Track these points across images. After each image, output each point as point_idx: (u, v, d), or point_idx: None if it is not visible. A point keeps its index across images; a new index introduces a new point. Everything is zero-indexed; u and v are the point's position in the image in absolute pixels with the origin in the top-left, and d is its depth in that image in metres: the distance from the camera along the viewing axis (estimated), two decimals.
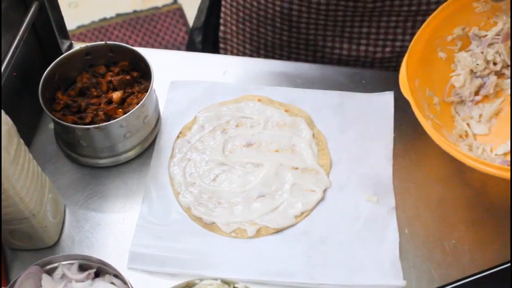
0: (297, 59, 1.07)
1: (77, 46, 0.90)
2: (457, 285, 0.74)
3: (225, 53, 1.13)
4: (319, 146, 0.88)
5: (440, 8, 0.80)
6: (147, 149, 0.88)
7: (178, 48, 1.97)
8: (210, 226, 0.81)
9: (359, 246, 0.79)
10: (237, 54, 1.11)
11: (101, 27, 2.03)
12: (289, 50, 1.06)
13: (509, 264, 0.72)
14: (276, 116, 0.90)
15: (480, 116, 0.85)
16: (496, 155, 0.81)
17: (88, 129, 0.80)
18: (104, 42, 0.88)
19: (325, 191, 0.83)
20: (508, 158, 0.79)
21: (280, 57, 1.08)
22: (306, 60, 1.06)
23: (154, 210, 0.82)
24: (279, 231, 0.80)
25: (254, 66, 0.98)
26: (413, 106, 0.75)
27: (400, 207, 0.82)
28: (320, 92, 0.93)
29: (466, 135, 0.83)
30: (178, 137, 0.89)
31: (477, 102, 0.85)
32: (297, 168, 0.85)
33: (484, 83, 0.85)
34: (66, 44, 0.97)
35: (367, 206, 0.82)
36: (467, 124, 0.84)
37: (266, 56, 1.09)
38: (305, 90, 0.94)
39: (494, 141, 0.83)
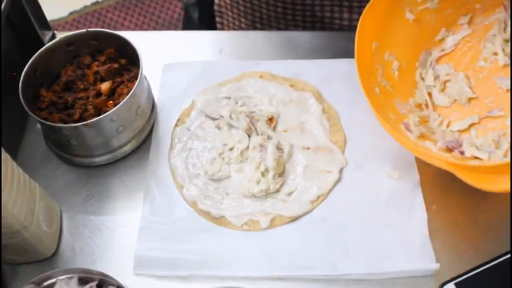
0: (295, 29, 1.00)
1: (59, 35, 0.83)
2: (496, 264, 0.67)
3: (222, 28, 1.06)
4: (331, 121, 0.81)
5: None
6: (144, 142, 0.82)
7: (176, 26, 1.88)
8: (219, 220, 0.74)
9: (383, 229, 0.72)
10: (234, 29, 1.05)
11: (93, 11, 1.93)
12: (286, 22, 0.99)
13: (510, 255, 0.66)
14: (280, 93, 0.83)
15: (444, 83, 0.79)
16: (451, 131, 0.76)
17: (76, 127, 0.73)
18: (85, 29, 0.80)
19: (341, 170, 0.77)
20: (463, 136, 0.75)
21: (277, 29, 1.01)
22: (305, 29, 0.99)
23: (157, 208, 0.76)
24: (294, 219, 0.74)
25: (252, 40, 0.91)
26: (358, 71, 0.71)
27: (425, 181, 0.75)
28: (326, 62, 0.86)
29: (426, 106, 0.78)
30: (176, 125, 0.83)
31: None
32: (308, 148, 0.79)
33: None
34: (48, 35, 0.90)
35: (389, 183, 0.75)
36: (429, 93, 0.78)
37: (262, 30, 1.02)
38: (310, 61, 0.87)
39: (454, 115, 0.77)
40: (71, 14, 1.87)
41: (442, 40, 0.80)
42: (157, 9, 1.93)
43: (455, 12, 0.78)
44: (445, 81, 0.79)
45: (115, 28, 1.77)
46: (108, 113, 0.73)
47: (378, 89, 0.71)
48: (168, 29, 1.86)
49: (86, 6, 1.94)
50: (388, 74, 0.76)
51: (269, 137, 0.78)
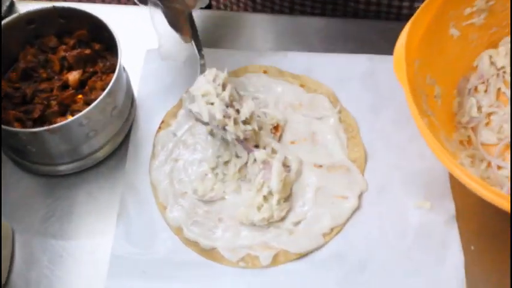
0: (302, 13, 0.90)
1: (24, 7, 0.75)
2: None
3: (218, 7, 0.98)
4: (349, 133, 0.74)
5: None
6: (119, 147, 0.74)
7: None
8: (210, 253, 0.66)
9: (410, 272, 0.65)
10: (230, 8, 0.96)
11: None
12: (291, 3, 0.89)
13: None
14: (288, 94, 0.76)
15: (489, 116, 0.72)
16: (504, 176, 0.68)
17: (35, 133, 0.63)
18: (51, 5, 0.71)
19: (360, 196, 0.70)
20: None
21: (281, 10, 0.91)
22: (313, 14, 0.90)
23: (134, 234, 0.68)
24: (302, 256, 0.66)
25: (254, 26, 0.83)
26: (409, 98, 0.61)
27: (462, 214, 0.68)
28: (343, 58, 0.79)
29: (469, 143, 0.71)
30: (160, 128, 0.75)
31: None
32: (321, 166, 0.71)
33: None
34: (6, 3, 0.80)
35: (418, 215, 0.68)
36: (472, 128, 0.72)
37: (264, 7, 0.92)
38: (324, 55, 0.79)
39: (503, 156, 0.70)
40: None
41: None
42: None
43: (499, 31, 0.74)
44: (489, 114, 0.72)
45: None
46: (76, 116, 0.64)
47: (426, 120, 0.62)
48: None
49: None
50: (431, 102, 0.68)
51: (273, 151, 0.69)
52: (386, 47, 0.74)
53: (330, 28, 0.81)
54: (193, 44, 0.71)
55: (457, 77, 0.74)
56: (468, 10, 0.71)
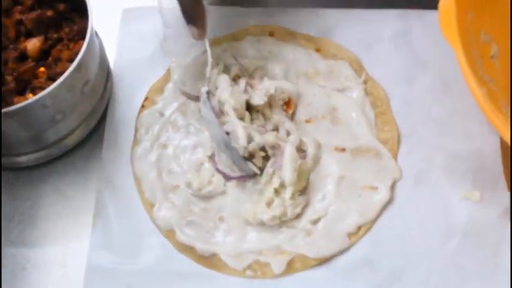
0: None
1: None
2: None
3: None
4: (377, 108, 0.71)
5: None
6: (93, 132, 0.72)
7: None
8: (210, 260, 0.64)
9: (457, 280, 0.63)
10: None
11: None
12: None
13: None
14: (302, 61, 0.74)
15: None
16: None
17: None
18: None
19: (393, 186, 0.67)
20: None
21: None
22: None
23: (115, 239, 0.66)
24: (322, 262, 0.64)
25: None
26: (463, 62, 0.57)
27: None
28: (370, 14, 0.77)
29: None
30: (143, 106, 0.72)
31: None
32: (343, 150, 0.68)
33: None
34: None
35: (465, 209, 0.65)
36: None
37: None
38: (345, 11, 0.78)
39: None
40: None
41: None
42: None
43: None
44: None
45: None
46: (39, 95, 0.62)
47: (485, 89, 0.60)
48: None
49: None
50: (488, 65, 0.64)
51: (287, 133, 0.68)
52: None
53: None
54: (207, 43, 0.68)
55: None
56: None
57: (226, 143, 0.66)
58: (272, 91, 0.69)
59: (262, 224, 0.64)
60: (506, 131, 0.55)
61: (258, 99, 0.68)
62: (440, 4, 0.62)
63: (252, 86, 0.69)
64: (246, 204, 0.65)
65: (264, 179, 0.65)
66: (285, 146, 0.66)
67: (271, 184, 0.64)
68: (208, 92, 0.69)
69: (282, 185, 0.64)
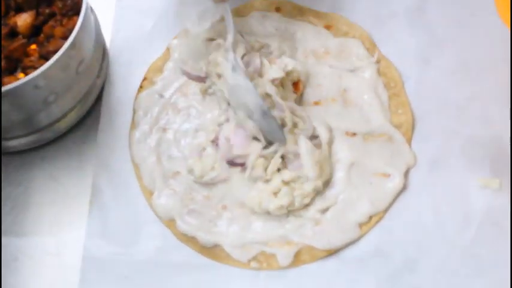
0: None
1: None
2: None
3: None
4: (391, 89, 0.72)
5: None
6: (88, 114, 0.73)
7: None
8: (213, 251, 0.65)
9: (474, 272, 0.64)
10: None
11: None
12: None
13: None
14: (310, 39, 0.75)
15: None
16: None
17: None
18: None
19: (407, 173, 0.68)
20: None
21: None
22: None
23: (112, 228, 0.67)
24: (332, 253, 0.65)
25: None
26: None
27: None
28: None
29: None
30: (141, 87, 0.73)
31: None
32: (355, 135, 0.69)
33: None
34: None
35: (483, 196, 0.66)
36: None
37: None
38: None
39: None
40: None
41: None
42: None
43: None
44: None
45: None
46: (31, 75, 0.62)
47: None
48: None
49: None
50: None
51: (298, 116, 0.69)
52: None
53: None
54: (228, 8, 0.69)
55: None
56: None
57: (264, 111, 0.67)
58: (290, 67, 0.69)
59: (268, 213, 0.64)
60: None
61: (275, 73, 0.68)
62: None
63: (270, 62, 0.69)
64: (251, 192, 0.65)
65: (270, 168, 0.65)
66: (299, 135, 0.67)
67: (280, 175, 0.65)
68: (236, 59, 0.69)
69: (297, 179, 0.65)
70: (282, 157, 0.68)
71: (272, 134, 0.68)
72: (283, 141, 0.68)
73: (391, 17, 0.76)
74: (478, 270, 0.63)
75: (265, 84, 0.69)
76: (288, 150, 0.68)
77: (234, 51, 0.70)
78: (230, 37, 0.70)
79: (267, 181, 0.67)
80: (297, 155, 0.67)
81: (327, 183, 0.67)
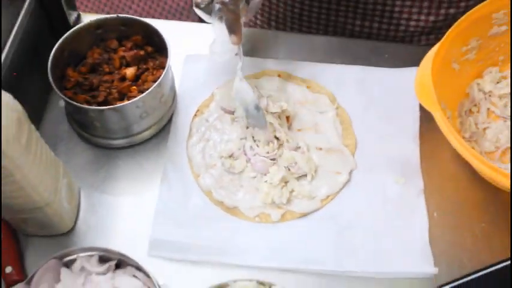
0: (308, 33, 0.98)
1: (86, 18, 0.84)
2: (489, 272, 0.68)
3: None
4: (343, 125, 0.81)
5: (457, 22, 0.73)
6: (163, 129, 0.81)
7: (181, 14, 1.85)
8: (233, 210, 0.74)
9: (388, 231, 0.73)
10: (249, 25, 1.03)
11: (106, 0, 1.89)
12: (300, 23, 0.98)
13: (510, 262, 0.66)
14: (297, 93, 0.83)
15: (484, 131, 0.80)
16: None
17: (102, 110, 0.73)
18: (115, 15, 0.79)
19: (351, 172, 0.77)
20: None
21: (291, 30, 1.00)
22: (318, 33, 0.98)
23: (174, 194, 0.75)
24: (304, 215, 0.74)
25: (270, 39, 0.90)
26: (446, 124, 0.66)
27: (428, 189, 0.76)
28: (341, 67, 0.85)
29: None
30: (195, 115, 0.82)
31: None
32: (321, 149, 0.78)
33: None
34: (74, 15, 0.88)
35: (395, 188, 0.76)
36: (474, 141, 0.79)
37: (277, 28, 1.01)
38: (326, 65, 0.86)
39: (502, 160, 0.78)
40: None
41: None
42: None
43: (484, 63, 0.82)
44: (484, 129, 0.80)
45: (123, 11, 1.72)
46: (135, 99, 0.73)
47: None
48: (174, 16, 1.82)
49: None
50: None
51: (288, 136, 0.78)
52: (375, 61, 0.85)
53: (331, 44, 0.88)
54: (241, 47, 0.75)
55: (456, 102, 0.80)
56: (464, 48, 0.77)
57: (256, 104, 0.75)
58: (284, 108, 0.77)
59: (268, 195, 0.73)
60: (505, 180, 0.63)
61: (275, 109, 0.77)
62: (418, 79, 0.71)
63: (273, 103, 0.77)
64: (260, 183, 0.74)
65: (277, 175, 0.73)
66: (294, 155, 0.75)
67: (278, 172, 0.73)
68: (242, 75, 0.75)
69: (285, 179, 0.74)
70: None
71: (259, 120, 0.75)
72: (265, 126, 0.75)
73: (345, 84, 0.83)
74: (390, 231, 0.72)
75: (270, 116, 0.76)
76: (290, 158, 0.75)
77: (242, 70, 0.76)
78: (240, 63, 0.76)
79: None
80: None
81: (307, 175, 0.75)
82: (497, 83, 0.82)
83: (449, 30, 0.72)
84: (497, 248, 0.72)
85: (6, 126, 0.56)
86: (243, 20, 0.73)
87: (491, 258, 0.68)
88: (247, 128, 0.78)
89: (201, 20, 0.76)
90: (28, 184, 0.61)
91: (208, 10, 0.72)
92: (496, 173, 0.64)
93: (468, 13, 0.73)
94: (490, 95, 0.82)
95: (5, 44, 0.72)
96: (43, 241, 0.72)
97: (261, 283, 0.63)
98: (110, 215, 0.75)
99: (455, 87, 0.77)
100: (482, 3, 0.73)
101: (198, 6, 0.73)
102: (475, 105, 0.81)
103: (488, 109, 0.81)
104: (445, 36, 0.71)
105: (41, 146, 0.65)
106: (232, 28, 0.73)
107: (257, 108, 0.75)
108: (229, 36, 0.73)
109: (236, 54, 0.77)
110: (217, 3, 0.71)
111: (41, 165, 0.64)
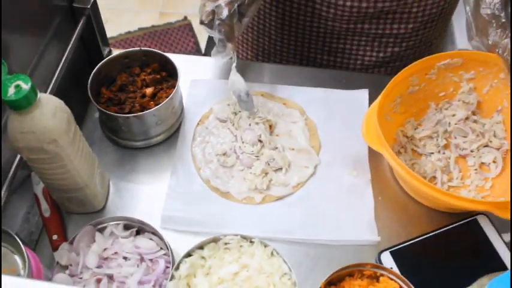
0: (286, 64, 1.05)
1: (115, 52, 0.88)
2: (419, 240, 0.75)
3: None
4: (311, 131, 0.86)
5: (388, 84, 0.77)
6: (173, 134, 0.86)
7: (190, 52, 1.95)
8: (226, 194, 0.80)
9: (343, 210, 0.78)
10: (243, 57, 1.10)
11: (126, 38, 2.01)
12: (281, 57, 1.05)
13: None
14: (276, 108, 0.88)
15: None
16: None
17: (128, 117, 0.79)
18: (139, 48, 0.86)
19: (316, 167, 0.82)
20: None
21: (274, 62, 1.06)
22: (294, 64, 1.05)
23: (181, 182, 0.81)
24: (280, 198, 0.79)
25: (257, 68, 0.96)
26: (393, 157, 0.70)
27: (374, 179, 0.81)
28: (310, 90, 0.91)
29: None
30: (198, 124, 0.86)
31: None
32: (293, 149, 0.83)
33: None
34: (106, 50, 0.95)
35: (349, 179, 0.81)
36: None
37: (263, 60, 1.08)
38: (298, 87, 0.91)
39: None
40: (109, 38, 1.92)
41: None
42: (175, 42, 2.00)
43: (406, 114, 0.84)
44: (412, 164, 0.82)
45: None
46: (152, 109, 0.79)
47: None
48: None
49: (120, 34, 2.01)
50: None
51: (270, 139, 0.82)
52: (335, 85, 0.91)
53: (303, 73, 0.93)
54: (234, 52, 0.79)
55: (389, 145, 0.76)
56: (391, 104, 0.80)
57: (247, 91, 0.79)
58: (269, 118, 0.82)
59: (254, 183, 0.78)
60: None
61: (261, 120, 0.81)
62: (365, 129, 0.73)
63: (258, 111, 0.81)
64: (246, 174, 0.78)
65: (257, 168, 0.78)
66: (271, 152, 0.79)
67: (260, 166, 0.78)
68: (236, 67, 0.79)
69: (265, 171, 0.78)
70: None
71: (248, 104, 0.80)
72: (252, 109, 0.80)
73: (312, 101, 0.87)
74: (345, 210, 0.77)
75: (261, 125, 0.81)
76: (270, 155, 0.78)
77: (237, 68, 0.79)
78: (234, 63, 0.80)
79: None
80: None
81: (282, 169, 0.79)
82: (415, 129, 0.84)
83: (383, 91, 0.76)
84: (425, 224, 0.77)
85: (59, 122, 0.65)
86: (236, 33, 0.76)
87: (420, 230, 0.75)
88: (236, 133, 0.83)
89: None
90: (73, 168, 0.69)
91: (210, 25, 0.76)
92: (432, 190, 0.69)
93: (394, 77, 0.77)
94: (411, 139, 0.84)
95: (55, 71, 0.79)
96: (81, 217, 0.78)
97: (244, 237, 0.71)
98: (132, 199, 0.80)
99: (387, 134, 0.76)
100: (402, 70, 0.77)
101: (202, 22, 0.76)
102: (402, 147, 0.83)
103: (412, 149, 0.83)
104: (380, 96, 0.75)
105: (83, 142, 0.73)
106: (229, 38, 0.76)
107: (247, 94, 0.79)
108: (226, 44, 0.76)
109: (231, 58, 0.81)
110: (217, 20, 0.74)
111: (82, 156, 0.72)
